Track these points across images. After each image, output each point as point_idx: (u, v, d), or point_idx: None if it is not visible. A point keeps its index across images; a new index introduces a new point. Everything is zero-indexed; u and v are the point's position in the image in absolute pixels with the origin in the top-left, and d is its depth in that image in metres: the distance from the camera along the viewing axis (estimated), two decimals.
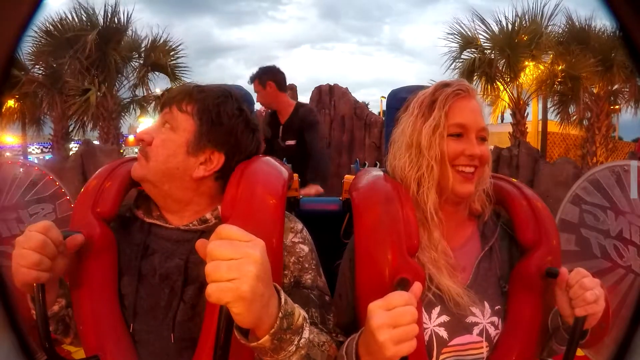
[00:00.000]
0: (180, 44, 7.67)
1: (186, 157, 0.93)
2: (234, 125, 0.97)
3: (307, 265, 0.94)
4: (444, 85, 0.97)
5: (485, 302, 0.94)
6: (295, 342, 0.71)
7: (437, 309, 0.91)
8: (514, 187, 1.06)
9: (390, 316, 0.69)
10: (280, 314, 0.68)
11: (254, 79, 3.04)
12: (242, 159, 0.98)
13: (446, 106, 0.94)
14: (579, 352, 0.92)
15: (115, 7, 7.15)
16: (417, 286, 0.78)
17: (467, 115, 0.94)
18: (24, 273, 0.76)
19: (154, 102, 7.57)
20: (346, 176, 1.36)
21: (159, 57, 7.42)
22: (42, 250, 0.77)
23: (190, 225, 0.95)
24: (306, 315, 0.74)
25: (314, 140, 2.91)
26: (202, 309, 0.87)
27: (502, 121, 8.38)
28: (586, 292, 0.82)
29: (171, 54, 7.62)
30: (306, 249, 0.96)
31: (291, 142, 2.93)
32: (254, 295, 0.61)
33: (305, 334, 0.73)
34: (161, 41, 7.50)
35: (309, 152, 2.89)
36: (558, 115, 7.74)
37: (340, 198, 1.43)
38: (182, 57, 7.72)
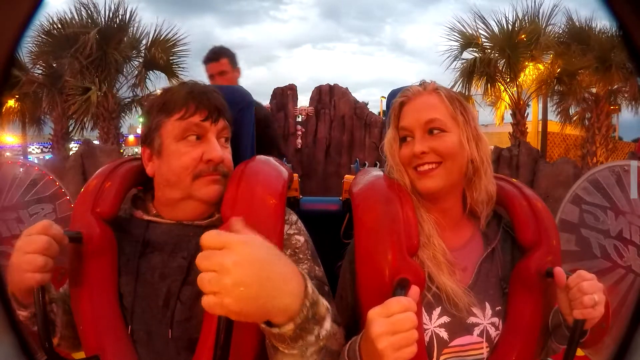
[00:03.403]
0: (178, 39, 7.44)
1: None
2: None
3: (302, 256, 0.94)
4: (398, 95, 1.02)
5: (487, 303, 0.94)
6: (316, 333, 0.69)
7: (437, 310, 0.91)
8: (514, 187, 1.06)
9: (389, 323, 0.69)
10: (307, 303, 0.66)
11: (221, 56, 2.20)
12: None
13: (396, 118, 1.00)
14: (579, 352, 0.92)
15: (117, 6, 7.12)
16: (415, 290, 0.78)
17: (410, 117, 0.97)
18: (29, 278, 0.75)
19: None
20: (346, 176, 1.37)
21: (157, 54, 7.26)
22: (47, 252, 0.77)
23: (195, 221, 0.95)
24: (329, 307, 0.72)
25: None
26: (201, 309, 0.86)
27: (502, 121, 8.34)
28: (584, 296, 0.82)
29: (172, 50, 7.47)
30: (302, 239, 0.96)
31: None
32: (241, 304, 0.58)
33: (327, 325, 0.70)
34: (161, 38, 7.39)
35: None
36: (557, 114, 7.73)
37: (340, 198, 1.43)
38: (182, 53, 7.52)
